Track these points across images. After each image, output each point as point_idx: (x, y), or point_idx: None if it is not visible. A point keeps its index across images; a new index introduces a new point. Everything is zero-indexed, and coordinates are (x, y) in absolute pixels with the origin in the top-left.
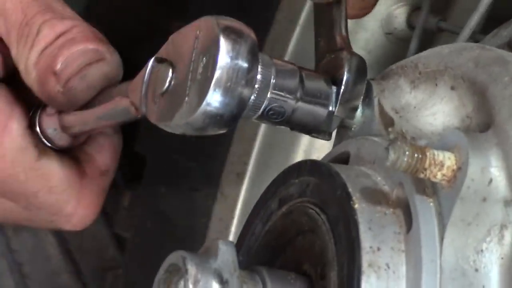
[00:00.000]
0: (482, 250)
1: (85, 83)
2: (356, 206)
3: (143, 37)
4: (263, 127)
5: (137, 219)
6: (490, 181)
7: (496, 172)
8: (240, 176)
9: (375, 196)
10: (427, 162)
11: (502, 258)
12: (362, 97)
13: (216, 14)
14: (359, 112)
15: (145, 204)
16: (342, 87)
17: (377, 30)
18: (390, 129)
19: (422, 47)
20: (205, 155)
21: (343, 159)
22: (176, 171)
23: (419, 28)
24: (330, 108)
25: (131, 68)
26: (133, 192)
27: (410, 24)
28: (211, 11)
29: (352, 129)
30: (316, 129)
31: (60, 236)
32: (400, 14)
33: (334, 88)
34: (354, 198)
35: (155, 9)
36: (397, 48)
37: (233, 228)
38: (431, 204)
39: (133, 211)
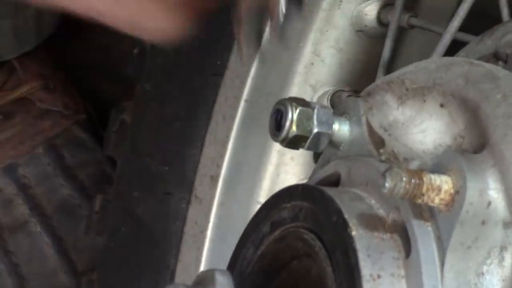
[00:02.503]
0: (483, 273)
1: None
2: (354, 233)
3: None
4: (235, 129)
5: (110, 224)
6: (489, 203)
7: (495, 194)
8: (214, 179)
9: (372, 221)
10: (425, 187)
11: (503, 280)
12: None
13: None
14: (346, 131)
15: (118, 208)
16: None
17: (347, 28)
18: (381, 150)
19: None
20: (178, 159)
21: (334, 180)
22: (149, 175)
23: (393, 25)
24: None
25: None
26: (104, 196)
27: (380, 21)
28: None
29: (341, 148)
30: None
31: (56, 236)
32: (370, 11)
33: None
34: (350, 224)
35: None
36: (368, 46)
37: (208, 232)
38: (429, 228)
39: (106, 215)
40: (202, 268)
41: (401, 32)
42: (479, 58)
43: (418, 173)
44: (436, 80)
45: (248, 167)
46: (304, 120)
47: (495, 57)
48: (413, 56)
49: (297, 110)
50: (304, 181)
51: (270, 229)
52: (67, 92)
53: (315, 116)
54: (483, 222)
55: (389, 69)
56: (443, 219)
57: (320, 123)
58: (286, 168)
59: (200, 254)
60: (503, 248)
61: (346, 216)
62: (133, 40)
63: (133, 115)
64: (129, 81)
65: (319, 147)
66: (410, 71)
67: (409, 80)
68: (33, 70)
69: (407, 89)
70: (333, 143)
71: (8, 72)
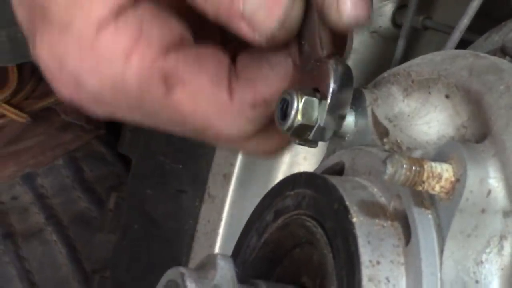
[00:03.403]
0: (482, 262)
1: None
2: (354, 219)
3: None
4: None
5: (123, 221)
6: (489, 192)
7: (495, 183)
8: (227, 177)
9: (373, 209)
10: (425, 175)
11: (502, 269)
12: (348, 106)
13: None
14: (352, 122)
15: (132, 206)
16: (328, 99)
17: (361, 29)
18: (385, 140)
19: (408, 46)
20: (191, 157)
21: (338, 169)
22: (162, 173)
23: (406, 26)
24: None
25: None
26: (119, 194)
27: (395, 22)
28: None
29: (346, 138)
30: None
31: (70, 245)
32: (385, 12)
33: (319, 98)
34: (351, 211)
35: None
36: (382, 47)
37: (220, 230)
38: (430, 216)
39: (119, 213)
40: None
41: (416, 33)
42: (486, 53)
43: (419, 160)
44: (441, 72)
45: (261, 166)
46: (310, 109)
47: (502, 52)
48: None
49: (303, 100)
50: None
51: (273, 217)
52: None
53: (320, 106)
54: (483, 211)
55: None
56: (444, 207)
57: None
58: (298, 168)
59: (212, 252)
60: (502, 237)
61: (347, 203)
62: None
63: None
64: None
65: (325, 137)
66: (416, 63)
67: (415, 72)
68: None
69: (412, 81)
70: (339, 134)
71: (36, 80)
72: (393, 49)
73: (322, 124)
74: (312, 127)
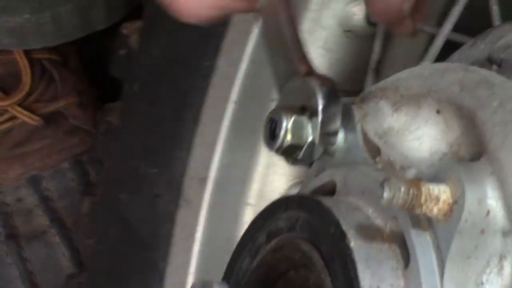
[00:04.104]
0: (482, 283)
1: None
2: (352, 244)
3: None
4: (224, 131)
5: (99, 226)
6: (488, 212)
7: (493, 202)
8: (203, 181)
9: (369, 232)
10: (423, 197)
11: None
12: (338, 123)
13: None
14: (341, 138)
15: (106, 211)
16: (319, 116)
17: (335, 28)
18: (377, 159)
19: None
20: (166, 161)
21: (329, 189)
22: (137, 177)
23: (381, 27)
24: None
25: None
26: (93, 199)
27: (369, 21)
28: None
29: (335, 155)
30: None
31: (74, 248)
32: (358, 11)
33: (308, 116)
34: (349, 235)
35: None
36: (357, 45)
37: (198, 235)
38: (428, 237)
39: (94, 218)
40: (192, 271)
41: (390, 32)
42: (473, 62)
43: (416, 183)
44: (431, 87)
45: (237, 168)
46: (299, 128)
47: (489, 61)
48: (401, 56)
49: (292, 119)
50: (294, 182)
51: (266, 239)
52: (97, 110)
53: (309, 125)
54: (482, 231)
55: (378, 70)
56: (442, 228)
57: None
58: (275, 169)
59: (189, 257)
60: (502, 257)
61: (344, 227)
62: (120, 42)
63: (121, 116)
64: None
65: (315, 155)
66: (404, 78)
67: (403, 86)
68: (71, 84)
69: (401, 96)
70: (328, 151)
71: (46, 83)
72: (367, 47)
73: (312, 143)
74: (302, 146)
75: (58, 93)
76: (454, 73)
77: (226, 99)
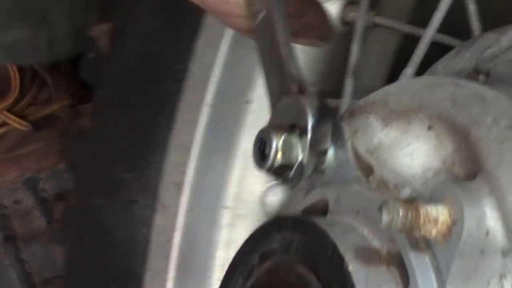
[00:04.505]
0: None
1: None
2: (350, 268)
3: None
4: (199, 135)
5: (74, 232)
6: (487, 233)
7: (492, 223)
8: (179, 186)
9: (367, 254)
10: (421, 219)
11: None
12: (329, 140)
13: None
14: (331, 156)
15: (81, 216)
16: (309, 134)
17: None
18: (370, 178)
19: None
20: (141, 166)
21: (321, 208)
22: (112, 182)
23: (359, 26)
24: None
25: None
26: (66, 204)
27: (344, 20)
28: None
29: (325, 173)
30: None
31: None
32: (333, 11)
33: (298, 135)
34: (346, 259)
35: None
36: (331, 45)
37: (175, 240)
38: (427, 259)
39: (68, 223)
40: (171, 276)
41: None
42: (459, 72)
43: (414, 205)
44: (421, 102)
45: (214, 172)
46: (289, 147)
47: (476, 71)
48: (372, 56)
49: (282, 138)
50: (271, 184)
51: (259, 260)
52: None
53: (299, 143)
54: (482, 252)
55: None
56: (441, 250)
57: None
58: (252, 171)
59: (168, 262)
60: (502, 277)
61: (341, 250)
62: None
63: (93, 121)
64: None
65: (305, 174)
66: (393, 92)
67: (392, 101)
68: (63, 87)
69: (391, 111)
70: (318, 169)
71: (38, 87)
72: (341, 46)
73: (303, 161)
74: (293, 165)
75: (51, 96)
76: (445, 88)
77: (200, 102)
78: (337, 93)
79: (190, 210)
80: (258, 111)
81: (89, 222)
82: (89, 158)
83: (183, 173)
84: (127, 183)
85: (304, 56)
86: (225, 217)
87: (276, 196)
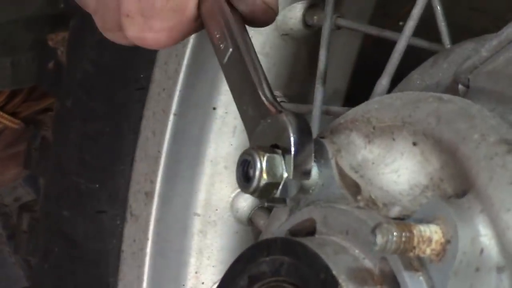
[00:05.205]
0: None
1: None
2: None
3: None
4: (166, 143)
5: (42, 244)
6: (481, 250)
7: (486, 240)
8: (149, 195)
9: (360, 274)
10: (415, 240)
11: None
12: (312, 157)
13: None
14: (315, 174)
15: (48, 228)
16: (292, 151)
17: (272, 33)
18: (359, 197)
19: (317, 45)
20: (108, 176)
21: (308, 227)
22: (78, 193)
23: (326, 27)
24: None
25: None
26: (32, 215)
27: (306, 23)
28: None
29: (310, 192)
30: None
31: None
32: (295, 14)
33: (280, 154)
34: (340, 281)
35: None
36: (294, 48)
37: (148, 249)
38: (421, 278)
39: (35, 235)
40: (144, 285)
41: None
42: (438, 82)
43: (407, 225)
44: (404, 118)
45: (183, 180)
46: (274, 166)
47: (456, 82)
48: (337, 58)
49: (265, 158)
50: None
51: (248, 283)
52: None
53: (283, 162)
54: (477, 269)
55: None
56: (436, 269)
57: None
58: (220, 178)
59: (141, 271)
60: None
61: (334, 272)
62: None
63: (54, 132)
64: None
65: (291, 192)
66: (375, 108)
67: (375, 118)
68: None
69: (374, 128)
70: (303, 187)
71: None
72: (304, 49)
73: (288, 178)
74: (279, 184)
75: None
76: (428, 104)
77: (166, 111)
78: (301, 97)
79: (160, 219)
80: (224, 117)
81: (57, 233)
82: (52, 170)
83: (152, 181)
84: (93, 194)
85: (266, 61)
86: (196, 224)
87: (245, 202)
